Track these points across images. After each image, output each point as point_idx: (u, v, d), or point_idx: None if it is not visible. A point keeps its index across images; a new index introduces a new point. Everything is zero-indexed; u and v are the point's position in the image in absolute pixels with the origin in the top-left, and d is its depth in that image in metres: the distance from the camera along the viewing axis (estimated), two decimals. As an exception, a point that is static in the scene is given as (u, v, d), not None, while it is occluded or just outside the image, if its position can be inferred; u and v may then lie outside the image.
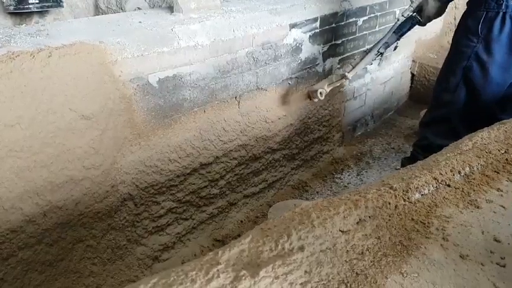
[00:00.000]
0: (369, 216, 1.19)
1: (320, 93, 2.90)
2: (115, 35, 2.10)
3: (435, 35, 4.60)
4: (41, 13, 3.16)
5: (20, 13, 3.04)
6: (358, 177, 3.45)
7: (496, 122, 1.75)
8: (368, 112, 4.02)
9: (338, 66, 3.38)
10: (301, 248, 1.05)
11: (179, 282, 0.94)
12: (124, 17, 2.38)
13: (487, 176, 1.43)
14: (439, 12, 2.67)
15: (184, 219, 2.63)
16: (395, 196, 1.27)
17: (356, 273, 1.03)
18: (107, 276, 2.27)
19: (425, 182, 1.34)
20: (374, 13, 3.54)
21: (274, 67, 2.85)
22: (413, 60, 4.39)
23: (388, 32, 2.84)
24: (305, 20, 2.93)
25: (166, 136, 2.37)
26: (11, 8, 2.90)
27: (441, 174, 1.38)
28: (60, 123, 1.89)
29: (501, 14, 2.42)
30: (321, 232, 1.10)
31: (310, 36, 3.02)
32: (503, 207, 1.29)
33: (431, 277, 1.03)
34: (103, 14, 3.42)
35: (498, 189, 1.37)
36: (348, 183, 3.37)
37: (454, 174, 1.40)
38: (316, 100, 2.99)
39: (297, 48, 2.96)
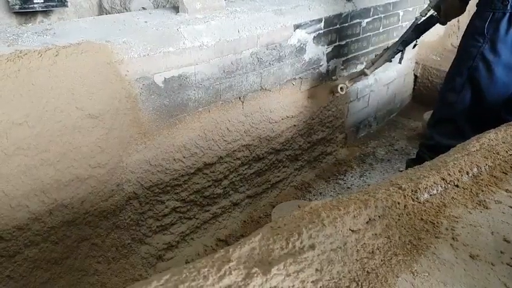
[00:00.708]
0: (379, 216, 1.20)
1: (341, 88, 3.15)
2: (121, 34, 2.11)
3: (438, 37, 4.61)
4: (46, 13, 3.17)
5: (25, 12, 3.05)
6: (361, 178, 3.46)
7: (503, 123, 1.75)
8: (371, 113, 4.02)
9: (342, 67, 3.39)
10: (312, 247, 1.06)
11: (192, 279, 0.94)
12: (130, 17, 2.38)
13: (495, 177, 1.43)
14: (458, 11, 2.72)
15: (188, 219, 2.64)
16: (404, 196, 1.27)
17: (367, 272, 1.04)
18: (111, 274, 2.27)
19: (434, 183, 1.35)
20: (378, 15, 3.55)
21: (278, 68, 2.86)
22: (416, 62, 4.40)
23: (407, 30, 2.91)
24: (309, 21, 2.94)
25: (171, 135, 2.37)
26: (17, 7, 2.91)
27: (449, 174, 1.39)
28: (67, 122, 1.90)
29: (508, 14, 2.42)
30: (332, 231, 1.10)
31: (314, 37, 3.03)
32: (512, 208, 1.29)
33: (442, 276, 1.04)
34: (107, 13, 3.42)
35: (506, 190, 1.37)
36: (351, 185, 3.38)
37: (462, 175, 1.41)
38: (337, 95, 3.29)
39: (301, 49, 2.97)
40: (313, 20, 2.97)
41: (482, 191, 1.36)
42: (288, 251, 1.04)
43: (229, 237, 2.82)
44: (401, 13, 3.82)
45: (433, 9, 2.75)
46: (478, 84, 2.61)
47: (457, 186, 1.38)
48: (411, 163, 2.92)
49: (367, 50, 3.60)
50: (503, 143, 1.58)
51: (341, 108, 3.52)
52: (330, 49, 3.22)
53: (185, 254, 2.63)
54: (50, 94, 1.82)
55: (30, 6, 2.96)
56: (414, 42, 2.98)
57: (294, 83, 3.03)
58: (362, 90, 3.73)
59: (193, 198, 2.61)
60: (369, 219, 1.18)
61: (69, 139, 1.92)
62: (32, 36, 1.96)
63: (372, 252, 1.09)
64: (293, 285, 0.96)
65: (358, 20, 3.37)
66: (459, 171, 1.40)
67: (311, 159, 3.42)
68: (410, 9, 3.92)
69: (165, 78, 2.25)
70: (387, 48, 3.05)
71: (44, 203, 1.91)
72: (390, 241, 1.14)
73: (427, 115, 3.84)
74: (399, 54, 3.04)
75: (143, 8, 3.31)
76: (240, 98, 2.70)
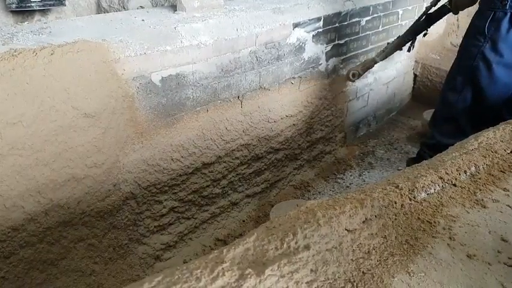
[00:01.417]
0: (375, 215, 1.18)
1: (353, 74, 3.33)
2: (117, 33, 2.09)
3: (438, 36, 4.58)
4: (43, 11, 3.15)
5: (22, 11, 3.03)
6: (360, 177, 3.44)
7: (501, 122, 1.74)
8: (371, 112, 4.00)
9: (341, 66, 3.37)
10: (307, 247, 1.04)
11: (184, 281, 0.93)
12: (127, 16, 2.37)
13: (493, 175, 1.42)
14: (469, 2, 2.72)
15: (186, 219, 2.62)
16: (401, 195, 1.26)
17: (363, 272, 1.02)
18: (108, 275, 2.26)
19: (431, 182, 1.33)
20: (378, 13, 3.53)
21: (277, 66, 2.84)
22: (416, 61, 4.38)
23: (418, 19, 2.97)
24: (308, 20, 2.92)
25: (169, 135, 2.36)
26: (13, 6, 2.88)
27: (447, 173, 1.37)
28: (63, 121, 1.88)
29: (509, 14, 2.41)
30: (327, 231, 1.08)
31: (313, 35, 3.01)
32: (510, 207, 1.28)
33: (438, 276, 1.02)
34: (105, 12, 3.41)
35: (504, 189, 1.36)
36: (350, 184, 3.36)
37: (459, 174, 1.39)
38: (350, 82, 3.43)
39: (300, 48, 2.95)
40: (312, 19, 2.95)
41: (480, 190, 1.35)
42: (283, 251, 1.03)
43: (228, 237, 2.80)
44: (401, 12, 3.80)
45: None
46: (478, 84, 2.60)
47: (455, 185, 1.36)
48: (411, 162, 2.91)
49: (366, 49, 3.59)
50: (502, 141, 1.56)
51: (340, 107, 3.51)
52: (329, 48, 3.20)
53: (184, 254, 2.62)
54: (46, 93, 1.81)
55: (27, 5, 2.94)
56: (425, 31, 3.01)
57: (293, 82, 3.01)
58: (361, 89, 3.71)
59: (191, 198, 2.60)
60: (366, 218, 1.16)
61: (65, 139, 1.91)
62: (27, 35, 1.95)
63: (368, 252, 1.08)
64: (287, 287, 0.95)
65: (357, 19, 3.35)
66: (457, 170, 1.39)
67: (310, 159, 3.40)
68: (410, 7, 3.90)
69: (162, 77, 2.24)
70: (399, 37, 3.15)
71: (39, 203, 1.89)
72: (387, 241, 1.12)
73: (427, 114, 3.84)
74: (411, 42, 3.12)
75: (141, 6, 3.29)
76: (238, 97, 2.68)
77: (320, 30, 3.04)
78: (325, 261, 1.02)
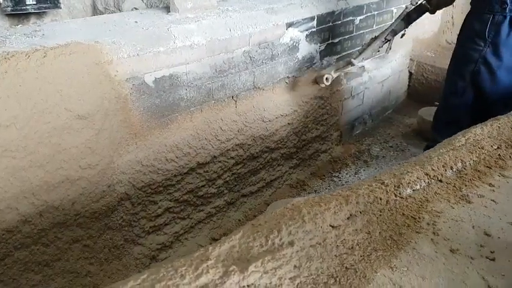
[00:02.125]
0: (360, 212, 1.20)
1: (326, 78, 2.96)
2: (110, 35, 2.11)
3: (433, 34, 4.60)
4: (39, 14, 3.18)
5: (18, 14, 3.05)
6: (356, 175, 3.45)
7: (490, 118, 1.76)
8: (366, 111, 4.01)
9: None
10: (291, 243, 1.06)
11: (169, 278, 0.94)
12: (121, 17, 2.39)
13: (479, 171, 1.43)
14: (448, 1, 2.70)
15: (181, 219, 2.63)
16: (387, 192, 1.27)
17: (346, 267, 1.04)
18: (104, 276, 2.27)
19: (417, 178, 1.35)
20: (371, 12, 3.55)
21: (271, 66, 2.86)
22: (411, 59, 4.39)
23: (396, 19, 2.87)
24: (302, 19, 2.94)
25: (163, 135, 2.37)
26: (9, 9, 2.91)
27: (433, 169, 1.39)
28: (56, 123, 1.90)
29: (508, 17, 2.41)
30: (312, 227, 1.10)
31: (307, 35, 3.03)
32: (495, 202, 1.29)
33: (421, 271, 1.04)
34: (100, 14, 3.43)
35: (490, 184, 1.37)
36: (346, 182, 3.37)
37: (446, 170, 1.41)
38: (322, 85, 3.05)
39: (294, 47, 2.96)
40: (305, 18, 2.97)
41: (466, 185, 1.36)
42: (267, 248, 1.04)
43: (223, 236, 2.81)
44: (395, 10, 3.81)
45: None
46: (480, 87, 2.61)
47: (441, 181, 1.38)
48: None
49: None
50: (489, 137, 1.58)
51: (335, 106, 3.52)
52: (323, 47, 3.21)
53: (180, 254, 2.63)
54: (38, 95, 1.82)
55: (22, 8, 2.97)
56: (403, 31, 2.95)
57: (287, 82, 3.03)
58: (356, 87, 3.72)
59: (186, 198, 2.61)
60: (350, 215, 1.18)
61: (58, 140, 1.92)
62: (20, 37, 1.97)
63: (352, 248, 1.09)
64: (270, 282, 0.97)
65: (351, 18, 3.37)
66: (443, 166, 1.40)
67: (306, 157, 3.42)
68: (403, 6, 3.90)
69: (156, 78, 2.25)
70: (375, 37, 2.98)
71: (33, 205, 1.91)
72: (371, 237, 1.13)
73: (422, 111, 3.85)
74: (387, 44, 3.00)
75: (135, 8, 3.31)
76: (232, 97, 2.70)
77: (314, 29, 3.06)
78: (309, 257, 1.04)
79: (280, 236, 1.06)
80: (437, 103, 3.07)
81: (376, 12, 3.59)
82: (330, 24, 3.19)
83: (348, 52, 3.48)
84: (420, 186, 1.34)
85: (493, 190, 1.35)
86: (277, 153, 3.14)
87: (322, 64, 3.25)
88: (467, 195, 1.32)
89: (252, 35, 2.65)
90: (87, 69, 1.97)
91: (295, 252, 1.04)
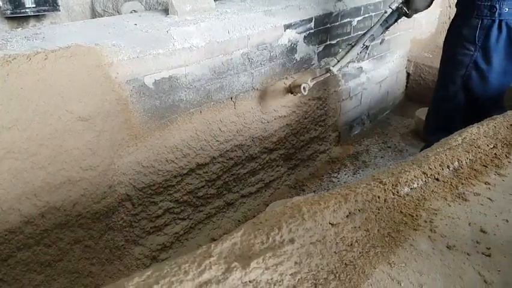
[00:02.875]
0: (359, 210, 1.22)
1: (304, 88, 2.79)
2: (110, 37, 2.13)
3: (430, 34, 4.62)
4: (38, 17, 3.19)
5: (17, 17, 3.07)
6: (355, 176, 3.48)
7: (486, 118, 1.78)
8: (364, 111, 4.04)
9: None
10: (292, 241, 1.08)
11: (173, 274, 0.96)
12: (120, 20, 2.40)
13: (475, 170, 1.46)
14: (427, 4, 2.65)
15: (181, 219, 2.66)
16: (385, 190, 1.29)
17: (345, 264, 1.06)
18: (105, 276, 2.29)
19: (414, 176, 1.37)
20: (369, 13, 3.57)
21: (270, 67, 2.88)
22: (409, 60, 4.41)
23: (374, 25, 2.79)
24: (300, 21, 2.96)
25: (163, 137, 2.39)
26: (8, 12, 2.93)
27: (430, 168, 1.41)
28: (57, 125, 1.92)
29: (497, 21, 2.42)
30: (311, 225, 1.12)
31: (305, 36, 3.05)
32: (490, 200, 1.31)
33: (418, 267, 1.06)
34: (99, 17, 3.44)
35: (486, 183, 1.40)
36: (344, 183, 3.39)
37: (442, 169, 1.43)
38: (299, 95, 2.94)
39: (292, 49, 2.99)
40: (303, 20, 2.99)
41: (462, 184, 1.39)
42: (268, 245, 1.07)
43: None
44: (392, 11, 3.83)
45: (401, 2, 2.66)
46: (471, 91, 2.62)
47: (438, 179, 1.40)
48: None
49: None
50: (485, 136, 1.60)
51: (333, 106, 3.54)
52: (321, 48, 3.24)
53: (180, 255, 2.64)
54: (40, 98, 1.84)
55: (22, 11, 2.99)
56: (381, 37, 2.88)
57: (285, 83, 3.05)
58: (354, 88, 3.75)
59: (186, 199, 2.63)
60: (349, 213, 1.20)
61: (60, 142, 1.94)
62: (21, 40, 1.98)
63: (351, 244, 1.12)
64: (272, 278, 0.99)
65: (349, 19, 3.39)
66: (440, 165, 1.43)
67: (305, 158, 3.44)
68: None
69: (155, 79, 2.27)
70: (354, 44, 2.82)
71: (36, 206, 1.93)
72: (369, 234, 1.16)
73: (420, 112, 3.88)
74: (366, 49, 2.92)
75: (134, 10, 3.33)
76: (231, 98, 2.72)
77: (312, 31, 3.08)
78: (309, 253, 1.06)
79: (280, 234, 1.09)
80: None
81: (374, 14, 3.61)
82: (328, 25, 3.21)
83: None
84: (418, 184, 1.37)
85: (489, 188, 1.37)
86: (276, 154, 3.16)
87: (320, 65, 3.27)
88: (464, 194, 1.34)
89: (251, 36, 2.67)
90: (88, 71, 1.99)
91: (296, 249, 1.06)
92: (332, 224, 1.15)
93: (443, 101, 2.78)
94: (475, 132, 1.63)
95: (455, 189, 1.36)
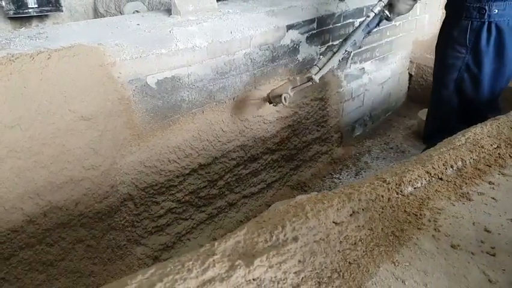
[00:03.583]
0: (363, 209, 1.22)
1: (285, 98, 2.64)
2: (113, 37, 2.13)
3: (432, 36, 4.61)
4: (41, 17, 3.20)
5: (20, 18, 3.08)
6: (357, 177, 3.47)
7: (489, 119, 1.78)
8: (367, 112, 4.04)
9: (336, 67, 3.39)
10: (295, 239, 1.08)
11: (176, 272, 0.96)
12: (123, 20, 2.40)
13: (479, 169, 1.46)
14: (409, 7, 2.61)
15: (183, 219, 2.65)
16: (388, 189, 1.29)
17: (349, 262, 1.06)
18: (107, 276, 2.29)
19: (418, 176, 1.37)
20: (371, 14, 3.56)
21: (272, 68, 2.87)
22: (411, 61, 4.41)
23: (356, 30, 2.69)
24: (302, 21, 2.96)
25: (165, 137, 2.39)
26: (11, 12, 2.94)
27: (434, 168, 1.41)
28: (60, 124, 1.92)
29: (487, 23, 2.41)
30: (315, 223, 1.12)
31: (307, 37, 3.05)
32: (494, 199, 1.31)
33: (423, 266, 1.06)
34: (101, 17, 3.45)
35: (490, 182, 1.40)
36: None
37: (446, 168, 1.43)
38: (281, 106, 2.81)
39: (294, 49, 2.99)
40: (306, 21, 2.99)
41: (466, 183, 1.39)
42: (272, 243, 1.06)
43: (225, 237, 2.83)
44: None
45: (383, 6, 2.59)
46: (465, 94, 2.63)
47: (441, 179, 1.40)
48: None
49: (360, 50, 3.62)
50: (489, 136, 1.60)
51: (335, 107, 3.54)
52: (323, 49, 3.23)
53: (182, 255, 2.64)
54: (43, 97, 1.84)
55: (25, 11, 2.99)
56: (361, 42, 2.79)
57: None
58: (356, 89, 3.75)
59: (188, 199, 2.63)
60: (353, 211, 1.20)
61: (62, 141, 1.94)
62: (24, 40, 1.98)
63: (355, 243, 1.11)
64: (275, 276, 0.99)
65: (351, 20, 3.39)
66: (443, 165, 1.43)
67: (307, 159, 3.44)
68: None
69: (158, 79, 2.27)
70: (336, 51, 2.67)
71: (38, 205, 1.93)
72: (373, 233, 1.16)
73: (422, 113, 3.87)
74: (348, 55, 2.80)
75: (136, 11, 3.33)
76: (234, 98, 2.71)
77: (314, 31, 3.08)
78: (312, 252, 1.06)
79: (284, 232, 1.08)
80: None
81: (375, 15, 3.61)
82: (331, 26, 3.21)
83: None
84: (421, 184, 1.37)
85: (493, 188, 1.37)
86: (278, 154, 3.15)
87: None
88: (468, 193, 1.34)
89: (253, 37, 2.67)
90: (90, 71, 1.99)
91: (300, 247, 1.06)
92: (335, 223, 1.15)
93: (439, 104, 2.78)
94: (478, 132, 1.62)
95: (459, 188, 1.36)
